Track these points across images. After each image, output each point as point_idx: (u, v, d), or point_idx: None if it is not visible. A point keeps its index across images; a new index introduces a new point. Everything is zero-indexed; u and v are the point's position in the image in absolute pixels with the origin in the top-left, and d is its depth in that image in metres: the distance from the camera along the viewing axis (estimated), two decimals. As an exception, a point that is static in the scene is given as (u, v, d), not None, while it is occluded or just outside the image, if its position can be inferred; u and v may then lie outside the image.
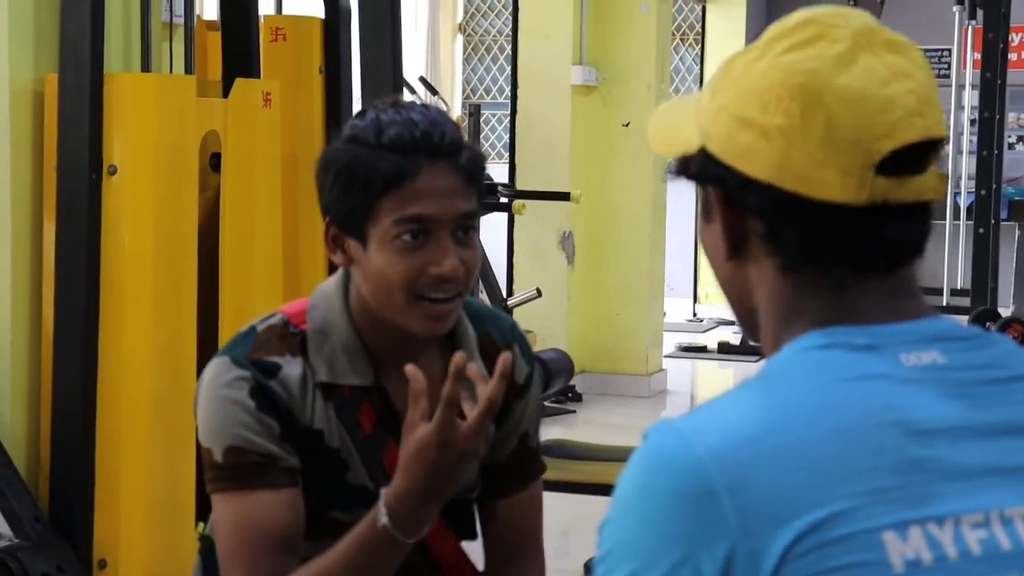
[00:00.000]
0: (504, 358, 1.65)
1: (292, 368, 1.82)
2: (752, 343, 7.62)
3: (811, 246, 1.12)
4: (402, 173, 1.74)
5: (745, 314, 1.21)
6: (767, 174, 1.11)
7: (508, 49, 8.66)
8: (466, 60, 10.79)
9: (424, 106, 1.81)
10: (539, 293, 6.69)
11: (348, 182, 1.76)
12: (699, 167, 1.17)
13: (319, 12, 4.21)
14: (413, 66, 8.93)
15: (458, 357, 1.64)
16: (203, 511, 1.92)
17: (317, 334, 1.84)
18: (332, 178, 1.77)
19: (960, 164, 9.36)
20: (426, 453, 1.66)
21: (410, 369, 1.65)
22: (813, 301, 1.13)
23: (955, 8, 8.83)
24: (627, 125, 7.31)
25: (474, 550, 2.02)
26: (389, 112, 1.77)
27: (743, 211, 1.14)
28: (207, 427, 1.80)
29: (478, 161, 1.81)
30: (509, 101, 7.44)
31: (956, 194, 9.33)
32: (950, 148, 8.57)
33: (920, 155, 1.11)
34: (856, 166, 1.09)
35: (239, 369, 1.80)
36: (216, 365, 1.82)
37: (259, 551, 1.77)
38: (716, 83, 1.17)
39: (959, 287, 8.91)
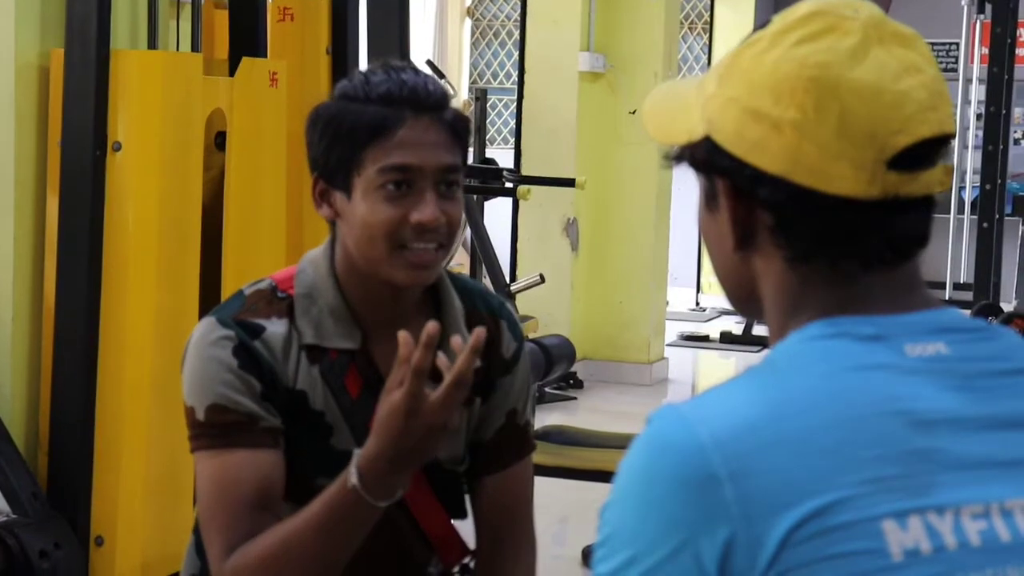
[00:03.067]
0: (477, 332, 1.65)
1: (277, 329, 1.84)
2: (754, 326, 7.55)
3: (821, 239, 1.12)
4: (386, 123, 1.79)
5: (746, 303, 1.20)
6: (778, 167, 1.10)
7: (516, 34, 8.65)
8: (474, 44, 10.76)
9: (413, 69, 1.85)
10: (542, 279, 6.69)
11: (335, 133, 1.81)
12: (706, 157, 1.16)
13: (327, -8, 4.20)
14: (420, 49, 8.92)
15: (430, 327, 1.64)
16: (202, 490, 1.91)
17: (304, 298, 1.86)
18: (320, 130, 1.82)
19: (965, 159, 9.34)
20: (394, 420, 1.66)
21: (402, 335, 1.66)
22: (820, 292, 1.13)
23: (964, 2, 8.81)
24: (634, 113, 7.30)
25: (468, 532, 2.02)
26: (379, 72, 1.83)
27: (752, 203, 1.13)
28: (190, 385, 1.82)
29: (463, 119, 1.85)
30: (516, 86, 7.44)
31: (961, 189, 9.31)
32: (956, 142, 8.55)
33: (931, 150, 1.11)
34: (869, 160, 1.08)
35: (224, 329, 1.82)
36: (202, 325, 1.85)
37: (237, 510, 1.78)
38: (722, 73, 1.15)
39: (962, 281, 8.89)
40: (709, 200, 1.18)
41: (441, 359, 1.66)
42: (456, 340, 1.69)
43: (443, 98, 1.83)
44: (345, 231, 1.84)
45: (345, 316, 1.86)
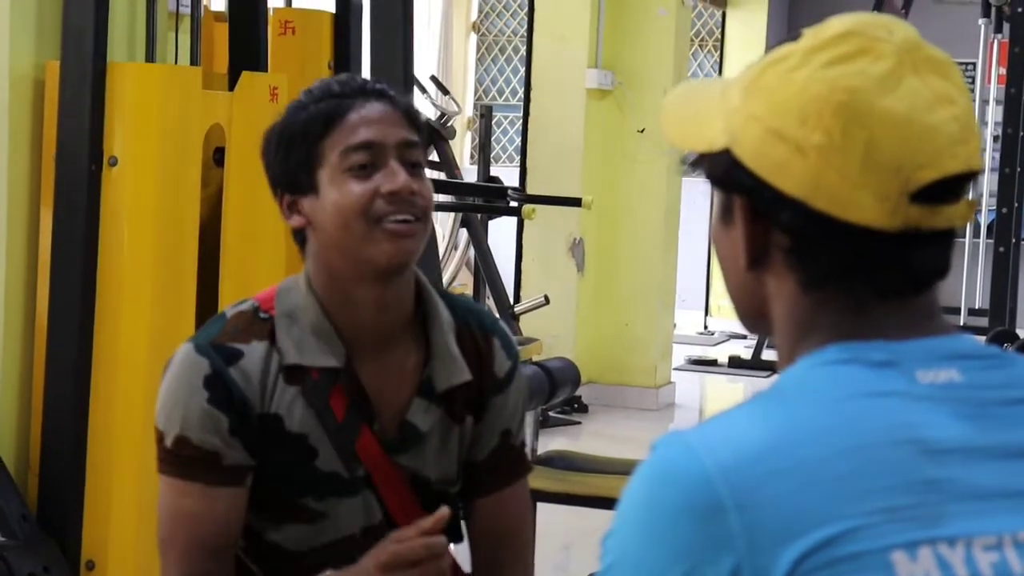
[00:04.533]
0: (439, 515, 1.74)
1: (255, 353, 1.85)
2: (763, 351, 7.52)
3: (837, 266, 1.10)
4: (337, 110, 1.83)
5: (756, 320, 1.19)
6: (799, 191, 1.08)
7: (522, 50, 8.63)
8: (479, 60, 10.75)
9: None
10: (547, 300, 6.65)
11: (289, 140, 1.84)
12: (724, 173, 1.14)
13: (330, 6, 4.19)
14: (424, 64, 8.88)
15: (440, 515, 1.74)
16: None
17: (285, 318, 1.86)
18: (275, 143, 1.86)
19: (982, 181, 9.26)
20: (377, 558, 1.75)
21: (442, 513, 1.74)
22: (832, 318, 1.11)
23: (981, 21, 8.76)
24: (642, 131, 7.26)
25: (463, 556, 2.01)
26: (321, 81, 1.90)
27: (768, 224, 1.12)
28: (162, 411, 1.86)
29: (413, 106, 1.90)
30: (522, 103, 7.42)
31: (977, 212, 9.25)
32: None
33: (957, 185, 1.09)
34: (893, 192, 1.07)
35: (199, 356, 1.84)
36: (180, 352, 1.87)
37: (190, 546, 1.84)
38: (748, 87, 1.14)
39: (977, 307, 8.85)
40: (724, 214, 1.16)
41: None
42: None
43: (387, 88, 1.88)
44: (318, 235, 1.85)
45: (328, 333, 1.86)
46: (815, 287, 1.11)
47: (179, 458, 1.83)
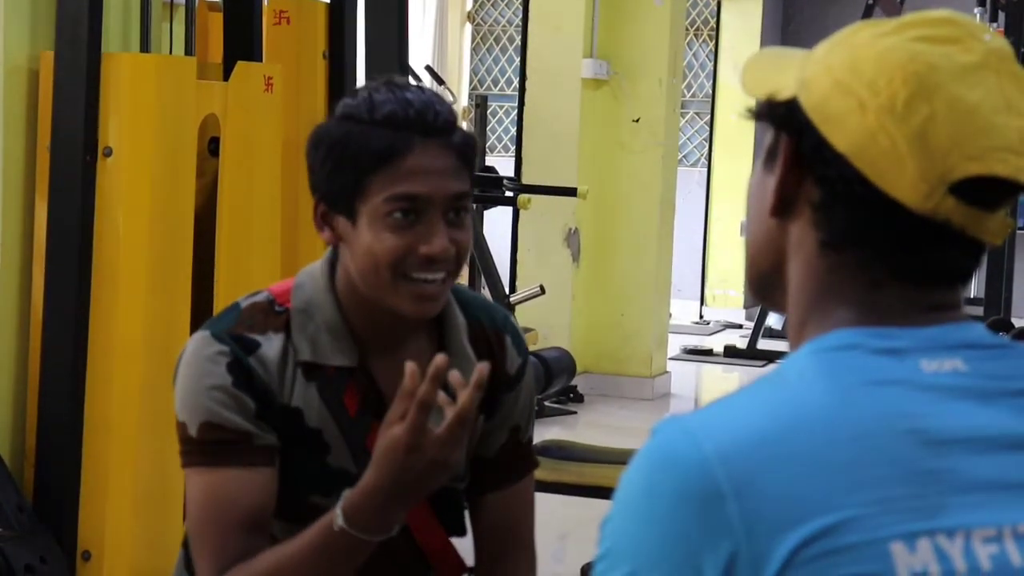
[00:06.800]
0: (480, 368, 1.63)
1: (272, 345, 1.81)
2: (759, 340, 7.49)
3: (859, 234, 1.10)
4: (394, 150, 1.74)
5: (767, 277, 1.18)
6: (846, 146, 1.08)
7: (517, 40, 8.61)
8: (474, 50, 10.74)
9: (419, 87, 1.81)
10: (542, 290, 6.64)
11: (339, 158, 1.76)
12: (784, 112, 1.14)
13: (324, -5, 4.17)
14: (419, 54, 8.86)
15: (439, 359, 1.61)
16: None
17: (301, 313, 1.83)
18: (323, 154, 1.78)
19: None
20: (394, 455, 1.64)
21: (410, 366, 1.63)
22: (844, 290, 1.11)
23: (976, 10, 8.75)
24: (637, 121, 7.25)
25: (467, 550, 1.99)
26: (383, 91, 1.77)
27: (805, 174, 1.12)
28: (183, 401, 1.80)
29: (471, 143, 1.81)
30: (517, 93, 7.41)
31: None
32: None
33: (999, 193, 1.09)
34: (934, 175, 1.07)
35: (218, 344, 1.80)
36: (196, 339, 1.82)
37: (228, 530, 1.77)
38: (837, 41, 1.14)
39: (972, 295, 8.86)
40: (769, 158, 1.16)
41: (442, 396, 1.63)
42: (455, 375, 1.64)
43: (451, 120, 1.78)
44: (348, 257, 1.81)
45: (343, 332, 1.84)
46: (834, 250, 1.11)
47: (207, 445, 1.77)
